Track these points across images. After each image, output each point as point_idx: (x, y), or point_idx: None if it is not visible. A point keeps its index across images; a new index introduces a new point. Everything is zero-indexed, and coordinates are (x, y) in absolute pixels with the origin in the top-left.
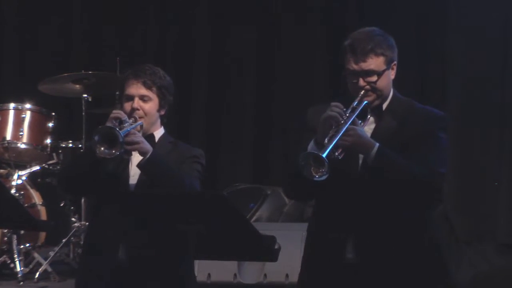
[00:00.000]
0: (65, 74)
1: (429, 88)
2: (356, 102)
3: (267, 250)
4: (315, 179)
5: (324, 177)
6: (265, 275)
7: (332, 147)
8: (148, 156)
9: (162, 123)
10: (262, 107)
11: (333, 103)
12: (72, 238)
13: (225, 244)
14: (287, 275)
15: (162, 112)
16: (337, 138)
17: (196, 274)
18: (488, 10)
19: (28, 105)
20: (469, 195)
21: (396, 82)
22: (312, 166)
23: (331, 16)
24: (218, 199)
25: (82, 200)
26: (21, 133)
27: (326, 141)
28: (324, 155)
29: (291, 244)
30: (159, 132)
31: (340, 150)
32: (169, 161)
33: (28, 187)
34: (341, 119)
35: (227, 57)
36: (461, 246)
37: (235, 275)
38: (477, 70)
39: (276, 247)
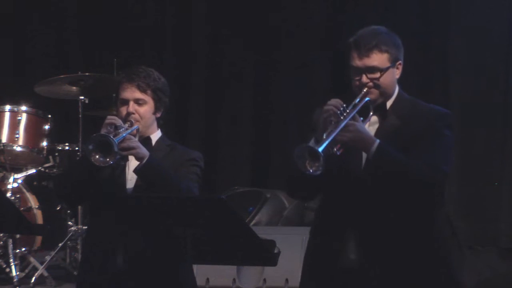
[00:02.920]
0: (62, 76)
1: (431, 88)
2: (358, 99)
3: (266, 255)
4: (308, 173)
5: (318, 172)
6: (264, 280)
7: (330, 142)
8: (144, 161)
9: (159, 126)
10: (261, 109)
11: (331, 99)
12: (68, 242)
13: (224, 248)
14: (286, 280)
15: (158, 115)
16: (334, 133)
17: None
18: (491, 9)
19: (24, 107)
20: (472, 199)
21: (399, 82)
22: (307, 160)
23: (330, 17)
24: (217, 203)
25: None
26: (17, 136)
27: (324, 136)
28: (320, 149)
29: (291, 248)
30: (156, 135)
31: (338, 146)
32: (166, 164)
33: (24, 190)
34: (339, 114)
35: (226, 59)
36: (463, 250)
37: (234, 280)
38: (480, 70)
39: (275, 251)
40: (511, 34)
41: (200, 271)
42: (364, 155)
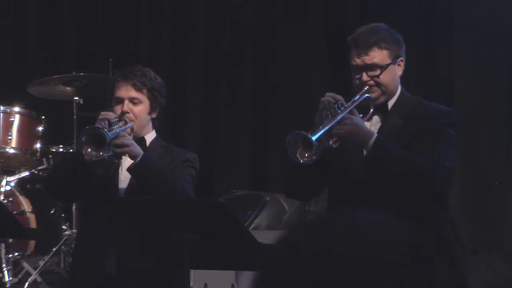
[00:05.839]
0: (56, 76)
1: (434, 89)
2: (357, 96)
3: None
4: (298, 163)
5: (308, 163)
6: None
7: (325, 132)
8: (138, 159)
9: (154, 127)
10: (260, 110)
11: (327, 93)
12: (62, 246)
13: (222, 253)
14: None
15: (154, 115)
16: (330, 124)
17: (192, 284)
18: (495, 8)
19: (17, 108)
20: (476, 203)
21: (402, 83)
22: (299, 148)
23: (331, 17)
24: (215, 206)
25: (73, 207)
26: (10, 138)
27: (319, 128)
28: (313, 138)
29: None
30: (150, 136)
31: (335, 139)
32: (161, 165)
33: (17, 193)
34: (337, 107)
35: (224, 59)
36: (467, 255)
37: (232, 285)
38: (484, 70)
39: None
40: None
41: (198, 276)
42: (365, 152)
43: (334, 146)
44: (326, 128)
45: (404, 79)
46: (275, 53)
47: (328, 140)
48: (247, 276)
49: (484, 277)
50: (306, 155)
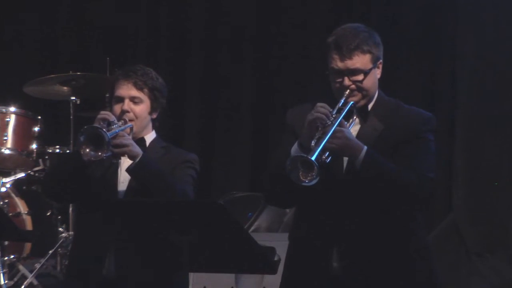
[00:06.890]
0: (52, 76)
1: (438, 90)
2: (341, 102)
3: (266, 262)
4: (305, 184)
5: (314, 182)
6: None
7: (321, 150)
8: (137, 160)
9: (154, 127)
10: (260, 110)
11: (319, 104)
12: (59, 249)
13: (222, 255)
14: None
15: (154, 115)
16: (325, 141)
17: (191, 287)
18: (500, 6)
19: (12, 108)
20: (481, 205)
21: (404, 82)
22: (300, 171)
23: (332, 17)
24: (215, 208)
25: (70, 209)
26: (5, 138)
27: (313, 143)
28: (313, 158)
29: None
30: (150, 136)
31: (327, 154)
32: (160, 166)
33: (13, 195)
34: (327, 120)
35: (224, 58)
36: (472, 258)
37: None
38: (488, 70)
39: (275, 258)
40: None
41: (197, 280)
42: (345, 160)
43: (327, 161)
44: (322, 145)
45: (407, 78)
46: (277, 56)
47: (322, 156)
48: (246, 279)
49: (489, 280)
50: (309, 175)
